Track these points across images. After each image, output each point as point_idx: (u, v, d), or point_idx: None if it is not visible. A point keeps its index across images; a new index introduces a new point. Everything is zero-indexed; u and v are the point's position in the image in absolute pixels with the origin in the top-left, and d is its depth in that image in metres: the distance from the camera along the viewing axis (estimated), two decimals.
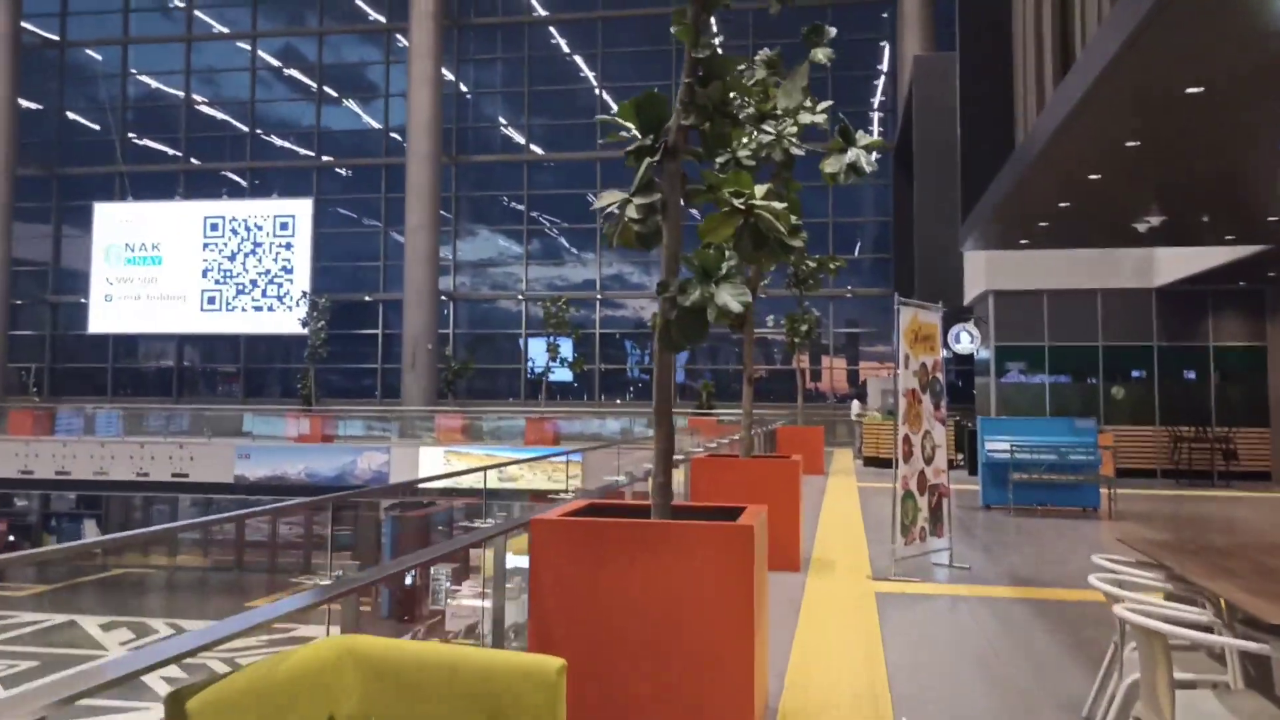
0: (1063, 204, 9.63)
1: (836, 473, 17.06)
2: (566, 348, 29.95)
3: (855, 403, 21.91)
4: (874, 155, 5.91)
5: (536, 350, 30.80)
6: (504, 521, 3.82)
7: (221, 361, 34.77)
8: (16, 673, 13.27)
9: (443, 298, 32.46)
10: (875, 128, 31.31)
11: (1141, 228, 10.52)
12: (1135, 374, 16.72)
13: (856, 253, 31.16)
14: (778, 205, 4.03)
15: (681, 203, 3.85)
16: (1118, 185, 8.94)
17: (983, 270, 16.89)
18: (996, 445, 11.83)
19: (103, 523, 27.04)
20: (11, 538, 26.74)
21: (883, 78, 31.08)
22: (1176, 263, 15.34)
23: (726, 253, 3.79)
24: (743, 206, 3.85)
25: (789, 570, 7.29)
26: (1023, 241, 11.90)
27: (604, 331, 32.17)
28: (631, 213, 3.64)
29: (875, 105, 31.41)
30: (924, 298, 21.29)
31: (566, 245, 32.89)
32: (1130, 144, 7.40)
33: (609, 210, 3.70)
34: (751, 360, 7.92)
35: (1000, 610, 6.21)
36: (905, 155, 25.99)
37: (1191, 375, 16.57)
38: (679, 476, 7.90)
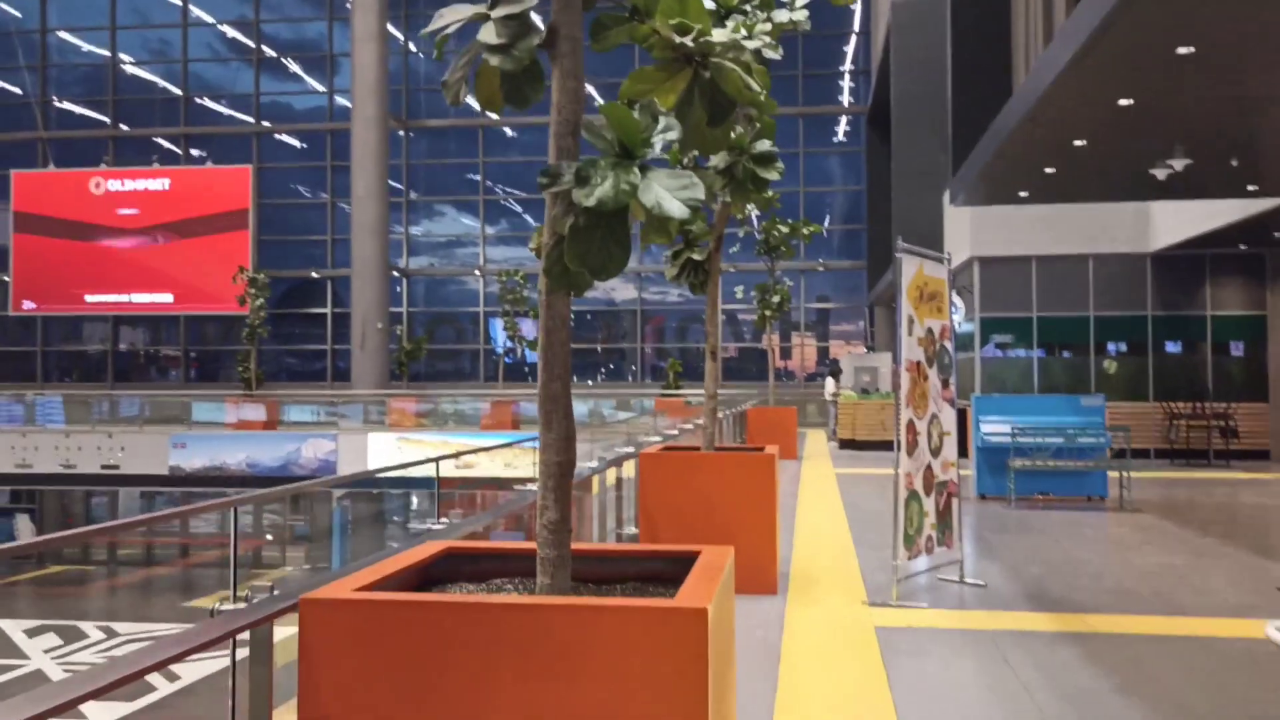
0: (1078, 142, 8.17)
1: (811, 457, 15.65)
2: (533, 328, 28.56)
3: (830, 381, 20.50)
4: None
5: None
6: (263, 601, 2.24)
7: (165, 344, 32.83)
8: None
9: (395, 274, 30.72)
10: (846, 93, 29.86)
11: (1161, 174, 9.10)
12: (1128, 346, 15.46)
13: (827, 224, 29.74)
14: (749, 47, 2.46)
15: (585, 40, 2.27)
16: (1147, 116, 7.49)
17: (967, 235, 15.47)
18: (994, 427, 10.43)
19: (37, 518, 25.34)
20: None
21: (854, 38, 29.56)
22: (1175, 225, 14.02)
23: (660, 118, 2.22)
24: (693, 46, 2.27)
25: (764, 593, 5.79)
26: (1022, 194, 10.44)
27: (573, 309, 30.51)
28: (489, 37, 2.03)
29: (846, 67, 29.91)
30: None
31: (532, 222, 31.11)
32: (1182, 50, 5.93)
33: (443, 32, 2.08)
34: (717, 329, 6.39)
35: (1042, 653, 4.73)
36: (881, 118, 24.57)
37: (1188, 347, 15.33)
38: (626, 473, 6.37)
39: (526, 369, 30.65)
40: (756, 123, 6.26)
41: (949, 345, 6.16)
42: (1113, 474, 10.00)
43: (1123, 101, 7.05)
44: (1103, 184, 10.24)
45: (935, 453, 6.01)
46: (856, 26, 29.46)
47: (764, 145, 6.06)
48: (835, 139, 30.17)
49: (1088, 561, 7.11)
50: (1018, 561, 7.07)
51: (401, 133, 31.23)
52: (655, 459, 5.87)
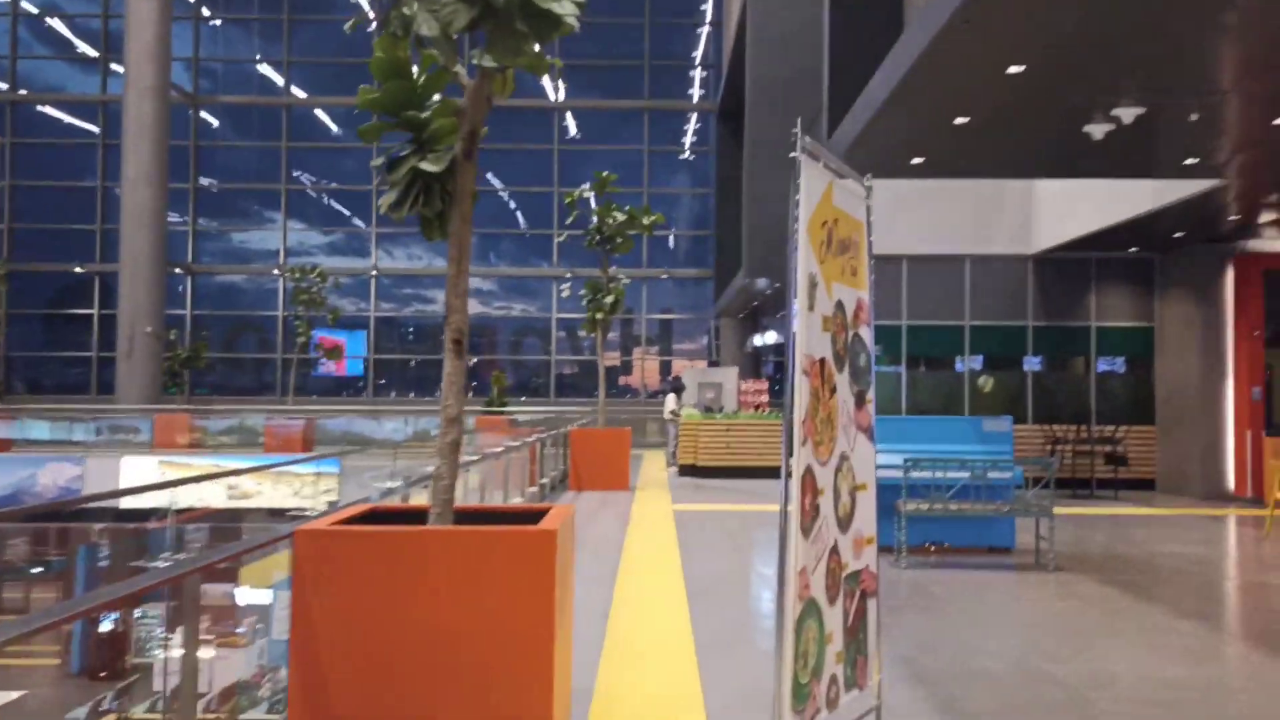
0: (1013, 69, 5.87)
1: (646, 487, 13.05)
2: (355, 339, 25.47)
3: (670, 397, 18.05)
4: None
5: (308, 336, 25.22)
6: None
7: None
8: None
9: (178, 271, 26.36)
10: (696, 92, 27.80)
11: (1098, 132, 7.01)
12: (1004, 360, 13.70)
13: (673, 231, 27.51)
14: None
15: None
16: (1105, 35, 5.26)
17: None
18: (879, 459, 8.07)
19: None
20: None
21: (706, 30, 27.57)
22: (1063, 223, 12.32)
23: None
24: None
25: None
26: (916, 160, 8.17)
27: (382, 316, 27.05)
28: None
29: (697, 62, 27.86)
30: (754, 271, 17.62)
31: (360, 225, 27.35)
32: None
33: None
34: (464, 301, 3.54)
35: None
36: (733, 113, 22.54)
37: (1071, 362, 13.70)
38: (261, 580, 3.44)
39: (362, 383, 26.93)
40: None
41: (866, 334, 3.57)
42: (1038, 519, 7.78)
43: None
44: (1022, 146, 8.07)
45: (844, 523, 3.39)
46: (709, 15, 27.51)
47: None
48: (683, 141, 28.08)
49: (1055, 674, 4.66)
50: (949, 676, 4.56)
51: (191, 110, 26.92)
52: (321, 544, 2.96)
